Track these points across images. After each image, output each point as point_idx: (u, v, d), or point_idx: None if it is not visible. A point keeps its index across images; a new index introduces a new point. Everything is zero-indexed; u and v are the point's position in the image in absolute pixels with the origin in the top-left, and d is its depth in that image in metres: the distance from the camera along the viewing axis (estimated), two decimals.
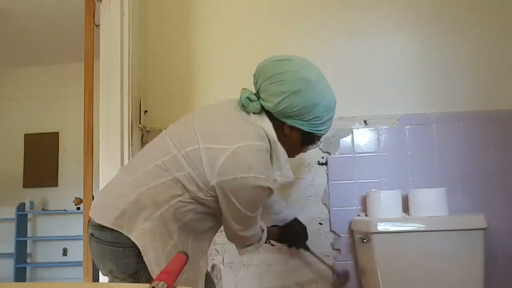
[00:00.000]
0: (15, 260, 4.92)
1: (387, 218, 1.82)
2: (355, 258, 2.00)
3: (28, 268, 5.19)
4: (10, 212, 5.03)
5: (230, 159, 1.15)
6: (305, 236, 1.81)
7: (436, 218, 1.80)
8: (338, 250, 2.03)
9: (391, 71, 2.13)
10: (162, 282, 0.65)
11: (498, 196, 2.01)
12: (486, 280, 1.76)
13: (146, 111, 2.14)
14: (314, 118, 1.22)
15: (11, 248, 4.96)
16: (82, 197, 1.94)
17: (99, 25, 1.96)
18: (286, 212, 1.78)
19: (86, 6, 1.97)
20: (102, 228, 1.19)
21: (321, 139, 1.39)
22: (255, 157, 1.17)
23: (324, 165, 2.07)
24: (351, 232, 2.01)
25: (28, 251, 5.24)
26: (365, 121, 2.09)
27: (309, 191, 2.06)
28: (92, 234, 1.22)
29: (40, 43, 4.70)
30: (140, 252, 1.16)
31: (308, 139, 1.30)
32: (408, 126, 2.08)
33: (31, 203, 5.18)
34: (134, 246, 1.16)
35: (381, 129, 2.08)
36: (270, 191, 1.22)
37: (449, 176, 2.03)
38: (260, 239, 1.42)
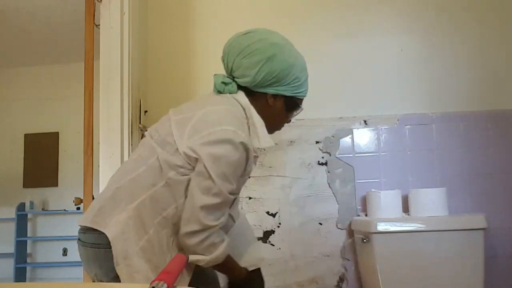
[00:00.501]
0: (15, 260, 4.91)
1: (387, 218, 1.82)
2: (355, 258, 2.01)
3: (28, 268, 5.19)
4: (10, 212, 5.03)
5: (199, 120, 1.14)
6: None
7: (436, 218, 1.80)
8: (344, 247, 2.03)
9: (391, 71, 2.13)
10: (162, 282, 0.65)
11: (498, 196, 2.01)
12: (486, 280, 1.76)
13: (146, 111, 2.14)
14: (293, 80, 1.21)
15: (11, 248, 4.96)
16: (82, 197, 1.93)
17: (99, 25, 1.96)
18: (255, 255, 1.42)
19: (86, 6, 1.96)
20: (85, 230, 1.18)
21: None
22: (225, 113, 1.15)
23: (324, 165, 2.07)
24: (351, 232, 2.01)
25: (28, 251, 5.24)
26: (365, 121, 2.09)
27: (309, 191, 2.06)
28: (78, 238, 1.21)
29: (40, 43, 4.70)
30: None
31: (292, 104, 1.26)
32: (408, 126, 2.08)
33: (31, 203, 5.18)
34: None
35: (381, 129, 2.08)
36: (245, 149, 1.12)
37: (449, 176, 2.03)
38: (216, 248, 1.13)
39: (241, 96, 1.21)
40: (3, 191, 5.26)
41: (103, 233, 1.12)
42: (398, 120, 2.09)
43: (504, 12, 2.14)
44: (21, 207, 5.07)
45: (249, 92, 1.22)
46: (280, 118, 1.28)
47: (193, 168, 1.12)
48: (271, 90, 1.21)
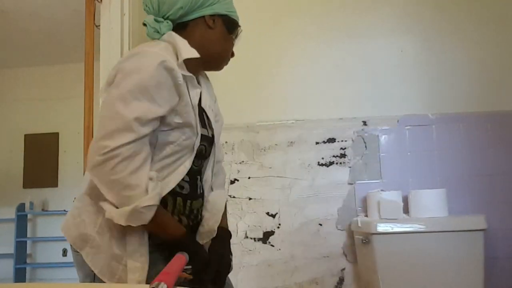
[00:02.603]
0: (14, 260, 4.92)
1: (387, 219, 1.82)
2: (355, 259, 2.00)
3: (28, 269, 5.19)
4: (10, 213, 5.03)
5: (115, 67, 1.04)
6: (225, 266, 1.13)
7: (436, 219, 1.80)
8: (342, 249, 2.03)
9: (391, 71, 2.13)
10: (162, 283, 0.65)
11: (498, 196, 2.01)
12: (486, 281, 1.76)
13: None
14: None
15: (11, 249, 4.96)
16: None
17: (99, 25, 1.96)
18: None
19: (86, 6, 1.97)
20: None
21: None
22: (138, 51, 1.04)
23: (323, 166, 2.07)
24: (351, 233, 2.01)
25: (28, 251, 5.24)
26: (364, 122, 2.09)
27: (308, 192, 2.06)
28: None
29: (40, 43, 4.71)
30: None
31: (231, 22, 1.21)
32: (408, 127, 2.08)
33: (31, 203, 5.18)
34: None
35: (381, 130, 2.08)
36: (166, 68, 1.00)
37: (449, 177, 2.03)
38: (144, 191, 0.96)
39: (166, 34, 1.11)
40: (3, 191, 5.26)
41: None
42: (398, 121, 2.09)
43: (504, 12, 2.14)
44: (21, 207, 5.08)
45: (185, 25, 1.14)
46: (225, 42, 1.20)
47: None
48: (207, 10, 1.15)
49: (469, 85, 2.11)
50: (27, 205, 5.15)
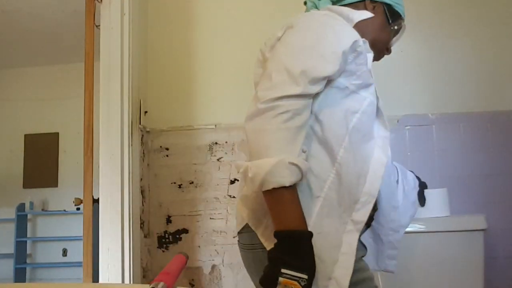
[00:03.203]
0: (14, 260, 4.91)
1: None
2: None
3: (28, 269, 5.19)
4: (10, 213, 5.03)
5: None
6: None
7: (436, 219, 1.80)
8: None
9: (391, 72, 2.13)
10: (162, 283, 0.65)
11: (498, 196, 2.01)
12: (486, 281, 1.76)
13: (146, 112, 2.14)
14: None
15: (11, 249, 4.96)
16: (82, 198, 1.93)
17: (99, 25, 1.96)
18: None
19: (87, 6, 1.97)
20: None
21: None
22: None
23: None
24: None
25: (28, 251, 5.23)
26: None
27: None
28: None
29: (40, 43, 4.70)
30: None
31: (394, 13, 1.10)
32: (408, 127, 2.08)
33: (31, 203, 5.17)
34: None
35: None
36: (335, 21, 0.97)
37: (449, 177, 2.03)
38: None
39: (325, 8, 1.10)
40: (3, 191, 5.26)
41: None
42: (398, 121, 2.08)
43: (504, 13, 2.14)
44: (21, 207, 5.07)
45: (345, 5, 1.10)
46: (381, 32, 1.10)
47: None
48: None
49: (469, 85, 2.10)
50: (27, 205, 5.15)
